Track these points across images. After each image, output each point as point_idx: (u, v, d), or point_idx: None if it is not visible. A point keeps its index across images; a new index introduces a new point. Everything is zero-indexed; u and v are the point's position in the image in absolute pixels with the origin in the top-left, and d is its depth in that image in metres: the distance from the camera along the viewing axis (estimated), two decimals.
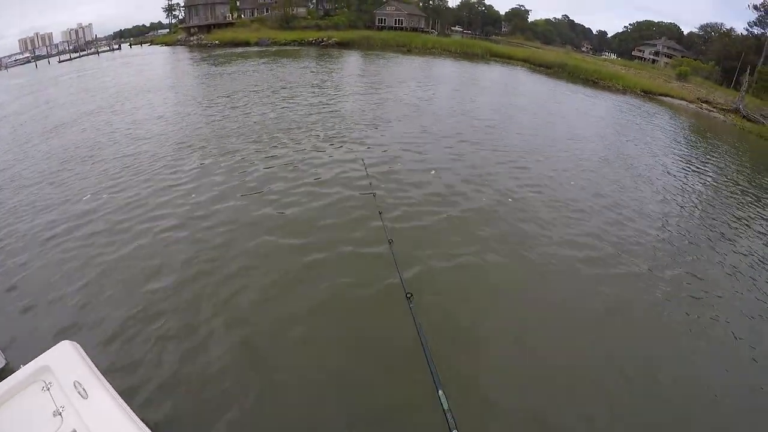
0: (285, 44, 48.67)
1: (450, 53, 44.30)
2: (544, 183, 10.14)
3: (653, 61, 61.44)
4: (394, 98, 19.03)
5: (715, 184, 12.76)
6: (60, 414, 2.68)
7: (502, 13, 79.37)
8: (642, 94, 32.79)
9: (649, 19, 74.18)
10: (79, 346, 3.25)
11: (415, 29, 60.70)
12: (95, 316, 5.21)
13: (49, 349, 3.16)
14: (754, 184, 13.34)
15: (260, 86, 21.29)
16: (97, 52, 59.02)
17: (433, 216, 7.87)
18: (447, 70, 33.60)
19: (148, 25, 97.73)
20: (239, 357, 4.64)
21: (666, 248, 7.91)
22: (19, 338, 4.87)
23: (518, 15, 78.22)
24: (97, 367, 3.13)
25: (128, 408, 2.76)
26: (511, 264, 6.71)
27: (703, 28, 63.30)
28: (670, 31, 68.69)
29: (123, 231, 7.16)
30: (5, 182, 10.05)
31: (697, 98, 34.18)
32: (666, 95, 33.49)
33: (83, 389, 2.80)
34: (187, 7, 63.33)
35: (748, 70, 37.26)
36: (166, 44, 60.55)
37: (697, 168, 14.12)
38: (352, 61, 35.21)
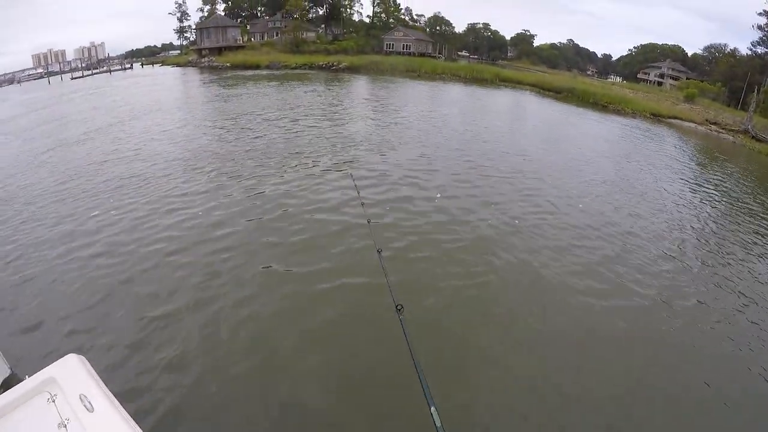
0: (295, 68, 49.54)
1: (459, 78, 44.86)
2: (552, 209, 10.07)
3: (659, 83, 62.03)
4: (405, 123, 19.15)
5: (727, 207, 12.62)
6: (65, 426, 2.62)
7: (508, 38, 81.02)
8: (651, 117, 32.96)
9: (652, 41, 75.32)
10: (85, 359, 3.17)
11: (422, 54, 61.92)
12: (102, 336, 5.25)
13: (54, 361, 3.08)
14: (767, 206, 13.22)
15: (270, 109, 21.58)
16: (110, 71, 59.91)
17: (438, 243, 7.83)
18: (456, 95, 34.01)
19: (159, 45, 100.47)
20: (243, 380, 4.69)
21: (680, 277, 7.71)
22: (24, 351, 4.89)
23: (524, 40, 79.76)
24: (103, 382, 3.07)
25: (134, 423, 2.66)
26: (513, 287, 6.73)
27: (707, 49, 64.42)
28: (674, 53, 69.60)
29: (128, 253, 7.24)
30: (15, 196, 10.22)
31: (706, 120, 34.31)
32: (675, 118, 33.58)
33: (89, 402, 2.72)
34: (199, 29, 65.10)
35: (756, 91, 37.49)
36: (178, 65, 61.77)
37: (708, 191, 14.01)
38: (362, 86, 35.76)
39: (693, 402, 4.95)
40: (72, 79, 52.42)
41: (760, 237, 10.42)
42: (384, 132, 17.01)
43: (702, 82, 50.04)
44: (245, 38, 65.93)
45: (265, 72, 45.98)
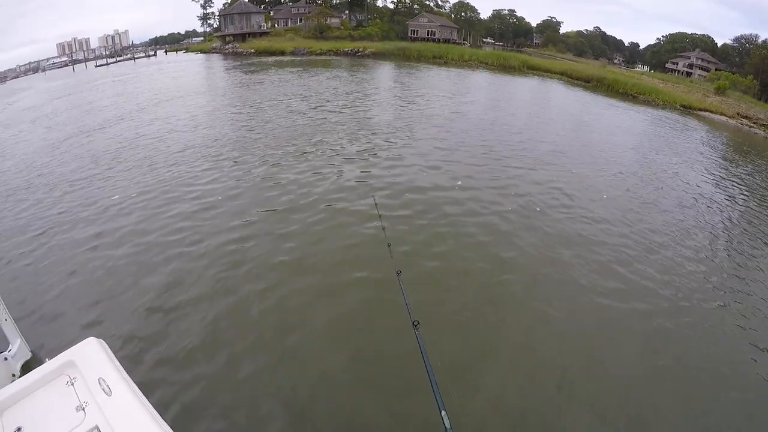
0: (320, 54, 49.61)
1: (487, 65, 44.52)
2: (582, 205, 9.83)
3: (688, 73, 60.61)
4: (430, 111, 18.86)
5: (758, 205, 12.11)
6: (83, 409, 2.66)
7: (534, 24, 79.74)
8: (681, 108, 32.56)
9: (681, 30, 73.38)
10: (104, 343, 3.19)
11: (447, 41, 61.47)
12: (123, 325, 5.29)
13: (74, 344, 3.13)
14: None
15: (294, 96, 21.55)
16: (133, 58, 60.14)
17: (458, 237, 7.72)
18: (484, 81, 33.96)
19: (182, 33, 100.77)
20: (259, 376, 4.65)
21: (710, 278, 7.44)
22: (45, 337, 4.99)
23: (550, 27, 78.40)
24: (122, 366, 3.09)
25: (152, 408, 2.68)
26: (532, 288, 6.52)
27: (737, 39, 62.50)
28: (704, 42, 67.64)
29: (150, 242, 7.28)
30: (36, 183, 10.38)
31: (737, 113, 33.79)
32: (705, 110, 33.10)
33: (107, 386, 2.76)
34: (223, 16, 65.58)
35: None
36: (202, 51, 61.84)
37: (738, 187, 13.65)
38: (388, 72, 35.78)
39: (719, 411, 4.74)
40: (96, 66, 52.76)
41: None
42: (408, 119, 16.86)
43: (733, 74, 48.73)
44: (269, 24, 66.01)
45: (289, 58, 46.02)
